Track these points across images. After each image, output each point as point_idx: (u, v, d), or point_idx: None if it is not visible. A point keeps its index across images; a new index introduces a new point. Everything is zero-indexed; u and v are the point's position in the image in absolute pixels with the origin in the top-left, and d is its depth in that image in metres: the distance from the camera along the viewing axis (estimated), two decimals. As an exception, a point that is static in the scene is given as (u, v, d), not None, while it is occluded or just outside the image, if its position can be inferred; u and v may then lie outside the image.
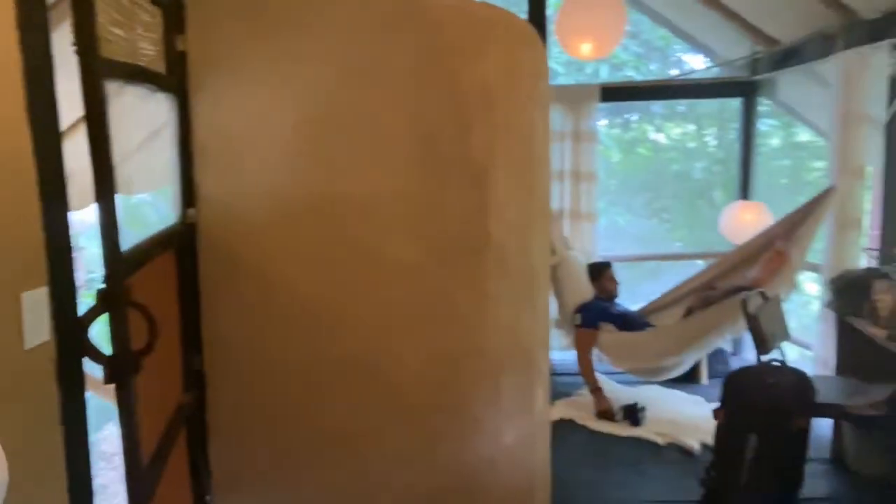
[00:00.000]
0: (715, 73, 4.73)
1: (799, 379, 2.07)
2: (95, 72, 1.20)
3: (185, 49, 1.82)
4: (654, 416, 3.24)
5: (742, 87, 4.34)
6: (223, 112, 1.84)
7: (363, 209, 1.83)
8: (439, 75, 1.82)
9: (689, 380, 3.73)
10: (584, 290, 3.64)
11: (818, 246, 3.29)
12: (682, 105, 9.21)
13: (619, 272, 3.80)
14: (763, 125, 9.27)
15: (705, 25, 4.55)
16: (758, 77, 4.23)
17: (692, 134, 9.52)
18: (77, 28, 1.18)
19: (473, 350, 1.91)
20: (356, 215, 1.83)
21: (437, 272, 1.86)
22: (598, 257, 4.07)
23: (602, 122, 9.26)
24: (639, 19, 7.81)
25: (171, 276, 1.83)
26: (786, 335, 2.62)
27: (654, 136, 9.46)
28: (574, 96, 4.14)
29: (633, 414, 3.20)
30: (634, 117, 9.56)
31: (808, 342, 3.72)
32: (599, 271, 3.73)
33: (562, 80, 7.26)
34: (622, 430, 3.15)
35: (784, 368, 2.12)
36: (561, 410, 3.37)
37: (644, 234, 9.13)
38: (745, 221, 3.76)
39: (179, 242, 1.84)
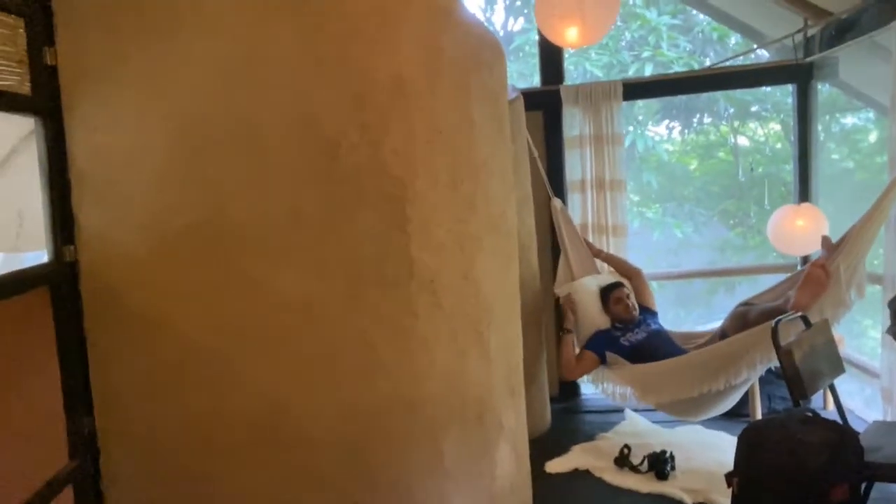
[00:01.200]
0: (765, 58, 4.17)
1: (838, 435, 1.57)
2: None
3: (56, 63, 1.57)
4: (687, 465, 2.73)
5: (793, 72, 3.76)
6: (99, 133, 1.58)
7: (254, 239, 1.51)
8: (338, 68, 1.48)
9: (738, 418, 3.18)
10: (598, 319, 3.20)
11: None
12: (753, 103, 8.54)
13: (682, 289, 3.33)
14: (858, 119, 8.46)
15: (753, 6, 4.03)
16: (812, 58, 3.65)
17: (778, 134, 8.81)
18: None
19: (399, 403, 1.54)
20: (245, 245, 1.52)
21: (346, 310, 1.51)
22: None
23: (673, 126, 8.70)
24: (688, 13, 7.25)
25: (44, 323, 1.58)
26: (835, 371, 2.09)
27: (733, 139, 8.82)
28: (593, 96, 3.71)
29: (659, 464, 2.70)
30: (707, 120, 8.94)
31: (875, 368, 3.09)
32: (604, 295, 3.28)
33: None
34: (645, 484, 2.66)
35: (818, 421, 1.63)
36: (577, 459, 2.92)
37: (720, 244, 8.45)
38: (796, 229, 3.19)
39: (55, 284, 1.58)
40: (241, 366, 1.54)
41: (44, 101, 1.56)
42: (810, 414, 1.70)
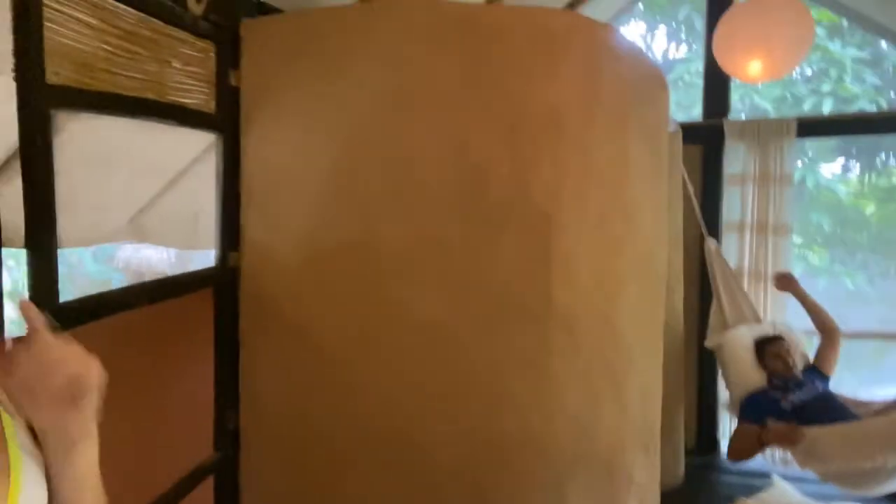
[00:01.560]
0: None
1: None
2: (34, 101, 1.10)
3: (239, 84, 1.72)
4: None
5: None
6: (268, 150, 1.70)
7: (398, 260, 1.55)
8: (495, 97, 1.49)
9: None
10: (752, 375, 2.93)
11: None
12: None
13: (848, 347, 3.03)
14: None
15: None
16: None
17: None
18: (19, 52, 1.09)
19: (525, 440, 1.50)
20: (390, 267, 1.55)
21: (481, 339, 1.50)
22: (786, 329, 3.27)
23: (851, 166, 7.94)
24: (877, 45, 6.57)
25: (206, 321, 1.72)
26: None
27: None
28: (762, 132, 3.45)
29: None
30: (893, 161, 8.05)
31: None
32: (760, 349, 2.99)
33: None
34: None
35: None
36: (711, 523, 2.68)
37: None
38: None
39: (218, 286, 1.72)
40: (374, 381, 1.58)
41: (225, 119, 1.71)
42: None
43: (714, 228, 3.60)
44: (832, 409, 2.77)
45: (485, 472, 1.52)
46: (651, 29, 8.69)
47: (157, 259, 7.03)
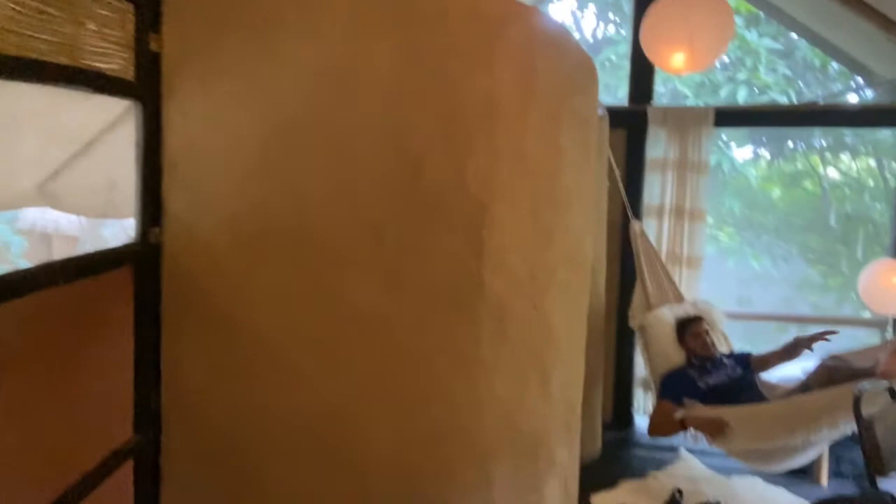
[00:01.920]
0: (873, 97, 3.94)
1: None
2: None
3: (160, 50, 1.62)
4: (738, 519, 2.61)
5: (903, 116, 3.53)
6: (194, 124, 1.62)
7: (331, 245, 1.52)
8: (431, 84, 1.47)
9: (803, 476, 3.02)
10: (673, 354, 3.08)
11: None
12: (848, 135, 8.11)
13: (751, 325, 3.20)
14: None
15: (862, 41, 3.80)
16: (926, 104, 3.42)
17: (871, 170, 8.34)
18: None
19: (454, 429, 1.52)
20: (323, 251, 1.52)
21: (414, 330, 1.50)
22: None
23: (761, 152, 8.36)
24: (790, 37, 6.92)
25: (125, 300, 1.64)
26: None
27: (823, 170, 8.40)
28: (682, 119, 3.58)
29: (708, 514, 2.59)
30: (800, 147, 8.54)
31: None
32: (681, 329, 3.14)
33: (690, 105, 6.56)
34: (691, 532, 2.55)
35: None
36: (624, 496, 2.83)
37: (799, 281, 8.06)
38: (892, 287, 2.98)
39: (138, 263, 1.64)
40: (306, 369, 1.56)
41: (145, 86, 1.61)
42: (890, 500, 1.58)
43: (636, 211, 3.73)
44: (745, 392, 2.94)
45: (414, 458, 1.54)
46: (581, 7, 8.80)
47: (66, 222, 6.63)
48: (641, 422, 3.78)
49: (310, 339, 1.55)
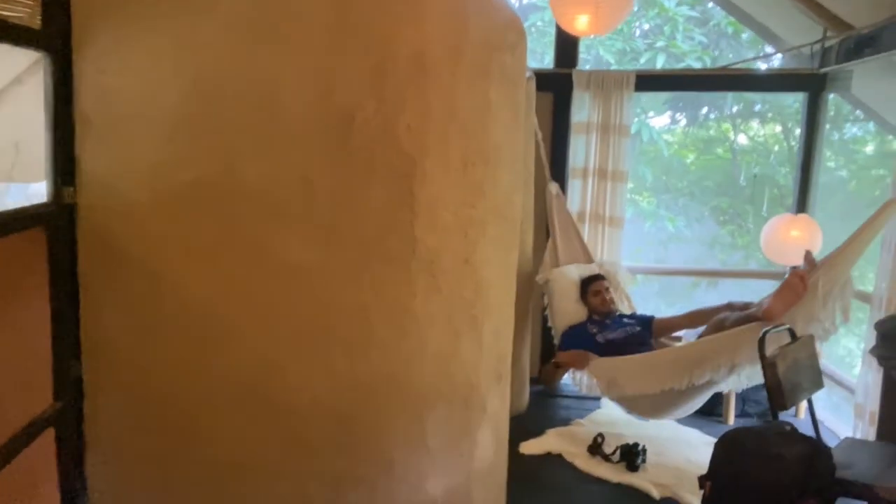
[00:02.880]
0: (780, 64, 4.16)
1: (813, 450, 1.61)
2: None
3: (69, -4, 1.52)
4: (657, 460, 2.78)
5: (807, 81, 3.75)
6: (108, 76, 1.54)
7: (261, 200, 1.49)
8: (361, 38, 1.45)
9: (712, 417, 3.24)
10: (574, 310, 3.21)
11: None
12: (757, 102, 8.54)
13: (665, 282, 3.35)
14: (858, 130, 8.48)
15: (773, 9, 3.99)
16: (827, 69, 3.64)
17: (777, 136, 8.82)
18: None
19: (389, 379, 1.55)
20: (252, 207, 1.50)
21: (346, 282, 1.51)
22: (621, 267, 3.61)
23: (676, 119, 8.67)
24: (706, 5, 7.17)
25: (38, 264, 1.56)
26: (814, 386, 2.13)
27: (734, 136, 8.81)
28: (605, 83, 3.68)
29: (630, 455, 2.76)
30: (713, 115, 8.91)
31: (852, 383, 3.14)
32: (584, 286, 3.29)
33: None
34: (615, 473, 2.71)
35: (796, 435, 1.66)
36: (550, 442, 2.96)
37: (710, 240, 8.50)
38: (790, 239, 3.20)
39: (51, 225, 1.56)
40: (237, 326, 1.54)
41: (53, 36, 1.51)
42: (788, 428, 1.74)
43: (562, 174, 3.83)
44: (638, 348, 3.09)
45: (349, 407, 1.56)
46: (507, -28, 8.77)
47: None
48: (567, 376, 3.94)
49: (241, 294, 1.53)
